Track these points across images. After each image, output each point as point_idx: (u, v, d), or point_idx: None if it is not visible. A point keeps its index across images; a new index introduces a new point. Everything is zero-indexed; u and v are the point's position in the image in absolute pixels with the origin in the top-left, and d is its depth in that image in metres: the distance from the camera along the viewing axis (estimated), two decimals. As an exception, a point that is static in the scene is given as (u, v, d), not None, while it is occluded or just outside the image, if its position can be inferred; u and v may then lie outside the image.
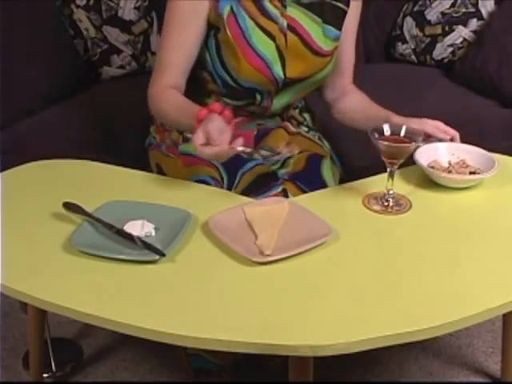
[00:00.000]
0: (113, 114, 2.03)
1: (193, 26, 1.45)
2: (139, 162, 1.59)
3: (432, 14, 2.47)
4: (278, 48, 1.48)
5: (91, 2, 2.30)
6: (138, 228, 1.19)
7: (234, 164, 1.47)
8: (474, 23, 2.41)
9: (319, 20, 1.50)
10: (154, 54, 2.30)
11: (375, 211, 1.29)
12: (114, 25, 2.32)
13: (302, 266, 1.13)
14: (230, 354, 1.51)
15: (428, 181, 1.39)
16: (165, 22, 1.49)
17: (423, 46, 2.51)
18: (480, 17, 2.40)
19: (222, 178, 1.45)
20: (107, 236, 1.18)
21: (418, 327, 0.99)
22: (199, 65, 1.52)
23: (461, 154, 1.43)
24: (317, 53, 1.51)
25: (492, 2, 2.39)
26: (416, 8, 2.52)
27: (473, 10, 2.41)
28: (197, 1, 1.44)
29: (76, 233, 1.18)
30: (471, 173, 1.38)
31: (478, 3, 2.40)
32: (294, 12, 1.49)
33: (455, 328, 1.04)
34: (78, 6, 2.30)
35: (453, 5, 2.44)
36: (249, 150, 1.30)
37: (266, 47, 1.46)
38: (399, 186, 1.35)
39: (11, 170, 1.44)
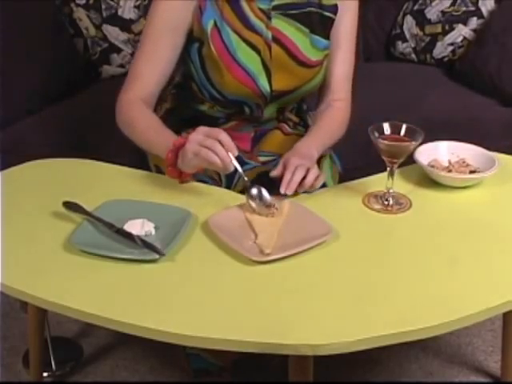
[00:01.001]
0: (113, 113, 2.03)
1: (170, 40, 1.43)
2: (139, 161, 1.58)
3: (432, 13, 2.47)
4: (262, 61, 1.45)
5: (91, 1, 2.30)
6: (137, 227, 1.19)
7: None
8: (474, 22, 2.41)
9: (306, 30, 1.47)
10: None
11: (375, 210, 1.29)
12: (114, 24, 2.32)
13: (301, 265, 1.13)
14: (229, 354, 1.51)
15: (428, 180, 1.39)
16: (143, 32, 1.46)
17: (423, 44, 2.51)
18: (480, 15, 2.40)
19: (220, 179, 1.45)
20: (107, 235, 1.18)
21: (417, 326, 0.99)
22: (187, 75, 1.51)
23: (461, 152, 1.43)
24: (304, 64, 1.47)
25: (492, 1, 2.39)
26: (416, 7, 2.52)
27: (473, 8, 2.41)
28: (177, 15, 1.42)
29: (76, 232, 1.18)
30: (471, 172, 1.38)
31: (478, 2, 2.40)
32: (280, 23, 1.45)
33: (455, 327, 1.04)
34: (77, 5, 2.30)
35: (453, 3, 2.44)
36: (241, 171, 1.28)
37: (250, 60, 1.44)
38: (399, 185, 1.35)
39: (11, 169, 1.44)
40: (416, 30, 2.51)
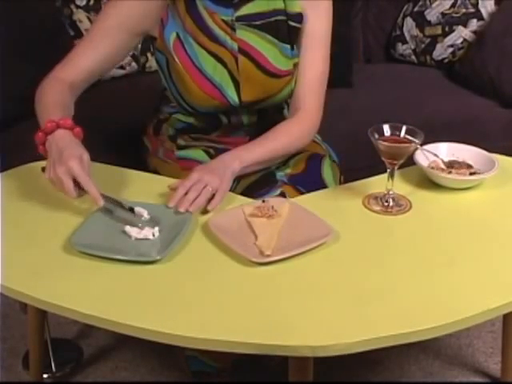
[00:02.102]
0: (112, 114, 2.03)
1: (117, 38, 1.40)
2: (139, 162, 1.58)
3: (432, 15, 2.47)
4: (230, 72, 1.43)
5: (91, 3, 2.30)
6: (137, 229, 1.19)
7: None
8: (474, 24, 2.41)
9: (275, 40, 1.44)
10: (153, 54, 2.29)
11: (375, 211, 1.29)
12: (114, 25, 2.31)
13: (302, 267, 1.13)
14: (228, 356, 1.51)
15: (428, 181, 1.39)
16: (95, 19, 1.46)
17: (423, 46, 2.51)
18: (480, 17, 2.40)
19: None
20: (107, 236, 1.18)
21: (418, 328, 0.99)
22: (164, 87, 1.50)
23: (461, 154, 1.43)
24: (273, 74, 1.44)
25: (492, 3, 2.39)
26: (416, 8, 2.53)
27: (473, 10, 2.41)
28: (132, 14, 1.39)
29: (76, 233, 1.18)
30: (471, 173, 1.38)
31: (477, 4, 2.41)
32: (245, 34, 1.43)
33: (455, 328, 1.04)
34: (78, 7, 2.30)
35: (453, 5, 2.44)
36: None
37: (216, 72, 1.42)
38: (399, 186, 1.35)
39: (11, 170, 1.44)
40: (416, 32, 2.52)
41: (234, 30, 1.43)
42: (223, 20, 1.42)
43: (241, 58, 1.43)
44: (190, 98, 1.43)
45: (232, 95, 1.44)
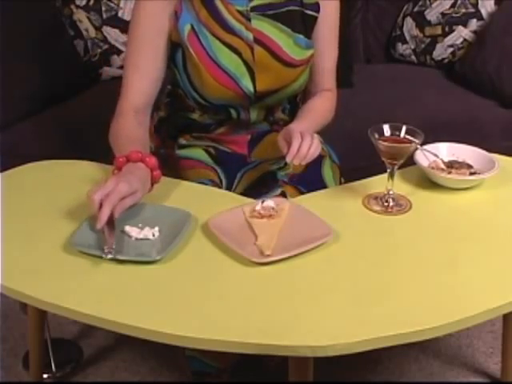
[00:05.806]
0: (113, 114, 2.03)
1: (153, 46, 1.42)
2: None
3: (432, 15, 2.48)
4: (245, 62, 1.44)
5: (91, 3, 2.31)
6: (137, 229, 1.19)
7: (232, 167, 1.47)
8: (473, 24, 2.41)
9: (289, 30, 1.45)
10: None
11: (375, 211, 1.29)
12: (114, 25, 2.32)
13: (302, 267, 1.13)
14: (228, 356, 1.51)
15: (428, 181, 1.39)
16: (128, 37, 1.46)
17: (423, 46, 2.51)
18: (480, 17, 2.40)
19: (220, 181, 1.45)
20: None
21: (418, 328, 0.99)
22: (174, 82, 1.51)
23: (461, 154, 1.43)
24: (288, 64, 1.45)
25: (492, 3, 2.39)
26: (416, 8, 2.53)
27: (473, 10, 2.41)
28: (157, 19, 1.40)
29: (76, 233, 1.18)
30: (471, 173, 1.38)
31: (477, 4, 2.41)
32: (260, 24, 1.44)
33: (455, 328, 1.04)
34: (77, 7, 2.30)
35: (453, 5, 2.44)
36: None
37: (231, 63, 1.42)
38: (399, 186, 1.35)
39: (11, 170, 1.44)
40: (416, 32, 2.52)
41: (249, 20, 1.44)
42: (238, 11, 1.43)
43: (256, 47, 1.44)
44: (205, 90, 1.43)
45: (247, 85, 1.44)
